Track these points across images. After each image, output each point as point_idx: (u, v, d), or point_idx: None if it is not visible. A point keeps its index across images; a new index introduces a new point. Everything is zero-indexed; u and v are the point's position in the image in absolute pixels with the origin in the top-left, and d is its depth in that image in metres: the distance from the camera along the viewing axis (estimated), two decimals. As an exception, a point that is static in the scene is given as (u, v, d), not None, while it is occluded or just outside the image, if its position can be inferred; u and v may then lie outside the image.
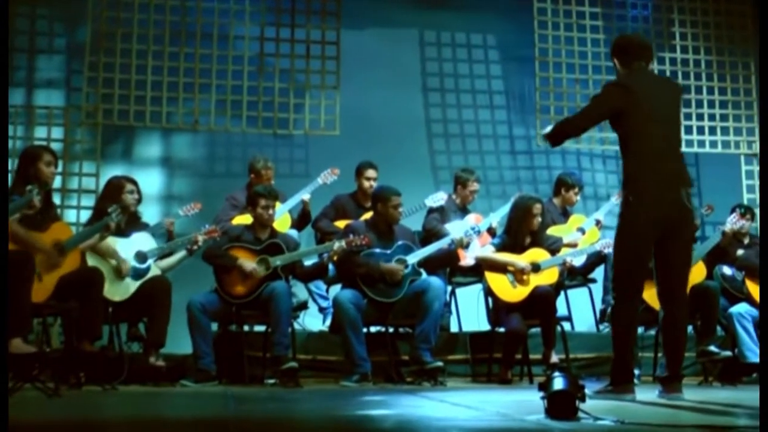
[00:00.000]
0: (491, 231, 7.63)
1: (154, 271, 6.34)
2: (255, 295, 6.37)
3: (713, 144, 9.23)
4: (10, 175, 6.75)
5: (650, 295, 5.55)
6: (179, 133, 8.85)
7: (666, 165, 4.79)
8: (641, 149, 4.78)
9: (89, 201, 7.89)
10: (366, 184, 7.70)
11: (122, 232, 6.30)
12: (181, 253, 6.58)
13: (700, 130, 9.22)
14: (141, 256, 6.29)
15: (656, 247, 4.83)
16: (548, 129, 5.02)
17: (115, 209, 5.88)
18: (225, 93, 8.50)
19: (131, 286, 6.19)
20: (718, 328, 6.82)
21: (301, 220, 7.55)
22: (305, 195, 7.51)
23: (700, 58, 9.31)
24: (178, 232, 6.97)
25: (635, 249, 4.78)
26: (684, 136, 9.14)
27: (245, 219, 6.97)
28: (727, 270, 7.09)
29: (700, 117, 9.23)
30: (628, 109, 4.80)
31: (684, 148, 9.11)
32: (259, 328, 6.78)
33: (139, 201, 6.57)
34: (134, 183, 6.56)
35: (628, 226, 4.80)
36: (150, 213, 7.63)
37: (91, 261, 6.04)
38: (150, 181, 8.41)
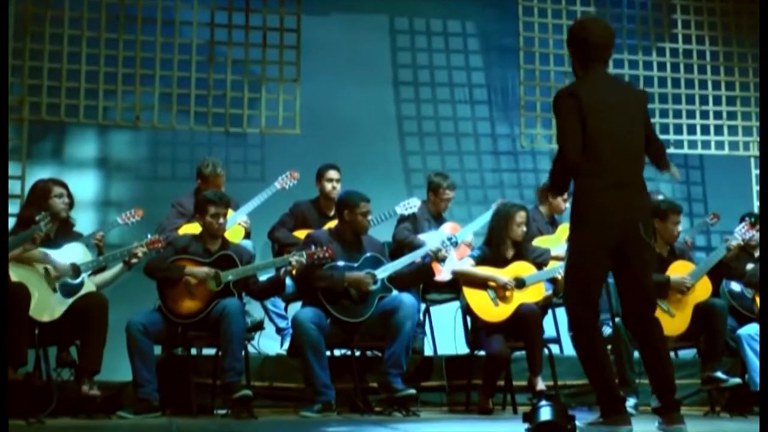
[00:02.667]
0: (466, 243, 7.64)
1: (89, 287, 6.28)
2: (204, 314, 6.33)
3: (719, 145, 9.31)
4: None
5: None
6: (118, 131, 8.80)
7: (621, 189, 4.69)
8: (594, 167, 4.67)
9: (14, 207, 7.81)
10: (328, 186, 7.70)
11: (52, 242, 6.24)
12: (117, 267, 6.52)
13: (705, 130, 9.30)
14: (74, 270, 6.23)
15: (614, 271, 4.83)
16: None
17: (44, 217, 5.82)
18: (170, 86, 8.47)
19: (62, 304, 6.12)
20: (726, 351, 6.86)
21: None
22: (242, 217, 7.47)
23: (704, 48, 9.40)
24: (117, 243, 6.94)
25: (586, 276, 4.74)
26: (687, 137, 9.25)
27: (193, 228, 6.93)
28: (735, 286, 7.14)
29: (704, 115, 9.30)
30: (581, 120, 4.65)
31: (687, 150, 9.33)
32: (209, 351, 6.74)
33: (70, 206, 6.51)
34: (63, 186, 6.49)
35: (576, 252, 4.75)
36: (84, 221, 7.57)
37: (15, 274, 5.95)
38: (84, 185, 8.37)
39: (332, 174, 7.75)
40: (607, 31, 4.89)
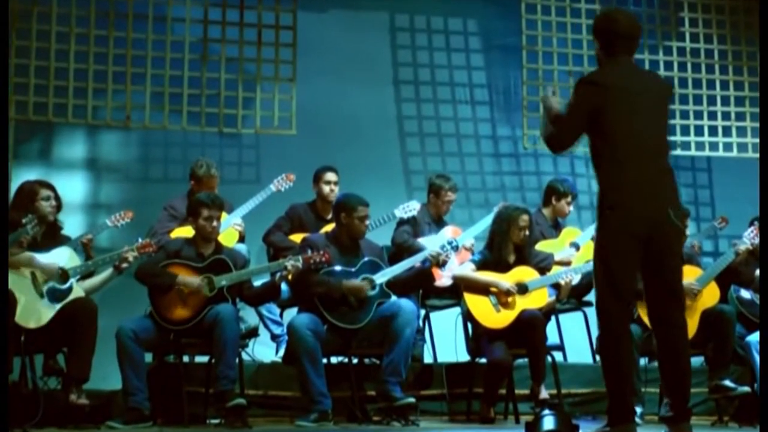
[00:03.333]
0: (467, 247, 7.64)
1: (77, 293, 6.27)
2: (197, 321, 6.32)
3: (728, 147, 9.31)
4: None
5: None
6: (107, 131, 8.78)
7: (650, 176, 4.75)
8: (619, 156, 4.74)
9: (0, 210, 7.81)
10: (326, 189, 7.69)
11: (39, 246, 6.23)
12: (107, 272, 6.51)
13: (713, 131, 9.29)
14: (62, 275, 6.22)
15: (643, 265, 4.83)
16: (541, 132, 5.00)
17: (30, 220, 5.82)
18: (162, 85, 8.45)
19: (49, 309, 6.11)
20: (734, 358, 6.86)
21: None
22: (237, 220, 7.46)
23: (712, 47, 9.40)
24: (107, 247, 6.93)
25: (617, 269, 4.74)
26: (694, 138, 9.25)
27: (186, 232, 6.93)
28: (744, 293, 7.13)
29: (712, 116, 9.30)
30: (604, 110, 4.75)
31: (694, 152, 9.33)
32: (201, 358, 6.73)
33: (57, 209, 6.50)
34: (51, 188, 6.49)
35: (606, 244, 4.78)
36: (72, 224, 7.54)
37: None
38: (73, 187, 8.35)
39: (330, 176, 7.74)
40: (635, 22, 4.99)
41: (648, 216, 4.72)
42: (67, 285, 6.22)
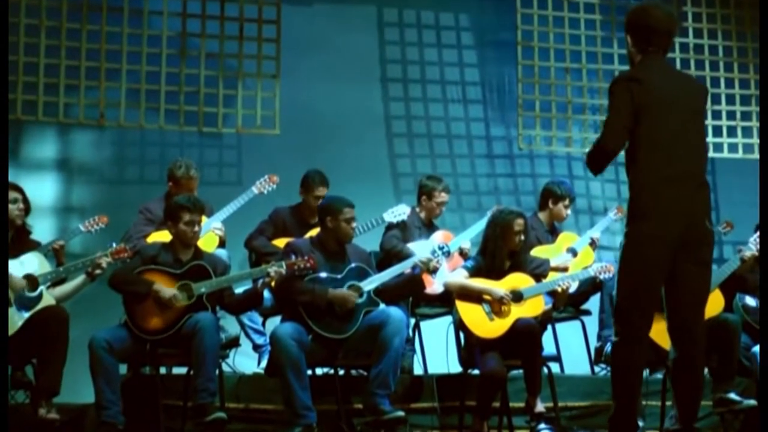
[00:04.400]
0: (463, 252, 7.63)
1: (47, 301, 6.25)
2: (174, 330, 6.30)
3: (732, 147, 9.34)
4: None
5: (657, 331, 5.53)
6: (80, 130, 8.77)
7: (687, 180, 4.77)
8: (654, 158, 4.76)
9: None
10: (315, 204, 7.64)
11: (7, 252, 6.21)
12: (79, 279, 6.49)
13: (717, 131, 9.32)
14: (31, 282, 6.20)
15: (671, 272, 4.82)
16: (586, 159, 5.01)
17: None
18: (138, 81, 8.46)
19: (17, 318, 6.09)
20: (739, 370, 6.86)
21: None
22: (217, 224, 7.45)
23: (717, 43, 9.43)
24: (79, 252, 6.92)
25: (644, 275, 4.75)
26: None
27: (163, 236, 6.90)
28: (750, 301, 7.13)
29: (716, 115, 9.33)
30: (645, 109, 4.75)
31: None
32: (179, 370, 6.72)
33: (26, 212, 6.48)
34: (19, 191, 6.47)
35: (634, 246, 4.78)
36: (43, 228, 7.52)
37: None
38: (43, 189, 8.35)
39: (321, 191, 7.67)
40: (672, 18, 5.02)
41: (682, 222, 4.73)
42: (37, 293, 6.20)
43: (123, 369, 6.52)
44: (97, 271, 6.43)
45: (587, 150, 5.01)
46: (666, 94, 4.81)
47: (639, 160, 4.80)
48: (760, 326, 6.68)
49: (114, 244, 6.59)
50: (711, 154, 9.33)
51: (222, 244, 7.50)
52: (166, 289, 6.33)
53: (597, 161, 4.90)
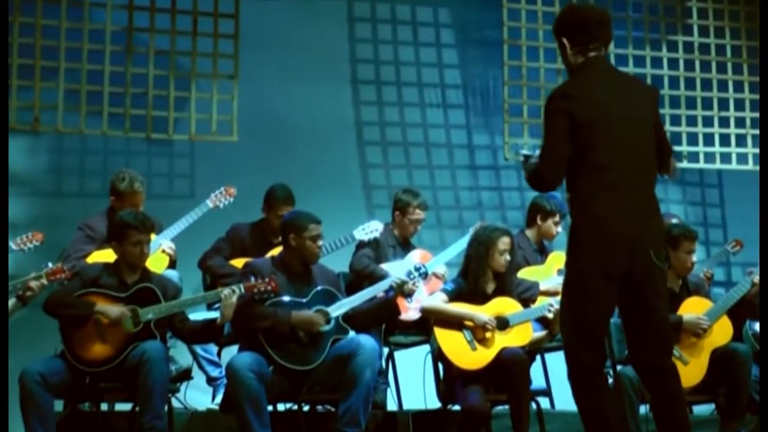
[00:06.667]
0: (438, 277, 7.66)
1: (-27, 328, 6.22)
2: (118, 361, 6.28)
3: (742, 158, 9.38)
4: None
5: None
6: (12, 136, 8.63)
7: (631, 203, 4.76)
8: (596, 180, 4.75)
9: None
10: (278, 224, 7.60)
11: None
12: (10, 303, 6.46)
13: (725, 140, 9.37)
14: (-46, 306, 6.17)
15: (620, 306, 4.86)
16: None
17: None
18: (78, 81, 8.43)
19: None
20: (750, 406, 6.89)
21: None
22: (167, 242, 7.44)
23: (724, 42, 9.50)
24: (10, 273, 6.83)
25: (587, 309, 4.77)
26: (703, 148, 9.31)
27: (105, 256, 6.89)
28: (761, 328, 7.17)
29: (724, 122, 9.37)
30: (580, 127, 4.73)
31: (703, 164, 9.39)
32: (123, 406, 6.70)
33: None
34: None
35: (577, 283, 4.80)
36: (-32, 246, 7.50)
37: None
38: (-31, 203, 8.29)
39: (285, 211, 7.60)
40: (601, 9, 5.08)
41: (627, 251, 4.73)
42: (-39, 318, 6.17)
43: (59, 405, 6.50)
44: (28, 293, 6.40)
45: (526, 175, 5.03)
46: (608, 108, 4.79)
47: (579, 184, 4.80)
48: (760, 334, 6.72)
49: (50, 264, 6.57)
50: (718, 165, 9.40)
51: (172, 264, 7.48)
52: (112, 307, 6.30)
53: (540, 187, 5.07)
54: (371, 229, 7.76)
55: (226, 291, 6.39)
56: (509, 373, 6.62)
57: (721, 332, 6.85)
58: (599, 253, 4.72)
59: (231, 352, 6.96)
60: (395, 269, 7.42)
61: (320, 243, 6.76)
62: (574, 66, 4.92)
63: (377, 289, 6.89)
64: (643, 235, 4.76)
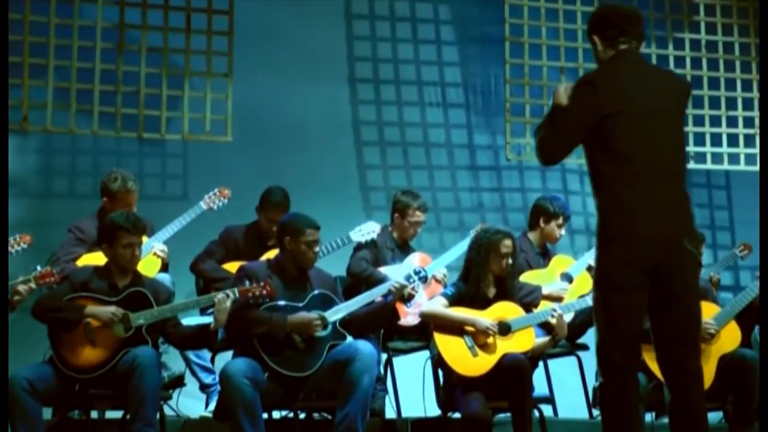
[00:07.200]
0: (438, 280, 7.67)
1: (-41, 333, 6.20)
2: (108, 367, 6.27)
3: (750, 159, 9.37)
4: None
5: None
6: (1, 136, 8.72)
7: (662, 200, 4.79)
8: (626, 175, 4.77)
9: None
10: (267, 227, 7.59)
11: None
12: (6, 303, 6.46)
13: (733, 140, 9.36)
14: (-60, 311, 6.16)
15: (651, 302, 4.85)
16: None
17: None
18: (68, 79, 8.43)
19: None
20: (759, 414, 6.87)
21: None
22: (159, 245, 7.43)
23: (732, 40, 9.49)
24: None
25: (619, 305, 4.78)
26: (710, 149, 9.32)
27: (95, 259, 6.88)
28: (771, 334, 7.18)
29: (732, 122, 9.37)
30: (608, 118, 4.76)
31: (710, 165, 9.39)
32: (114, 414, 6.67)
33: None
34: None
35: (608, 278, 4.81)
36: (-45, 249, 7.49)
37: None
38: (-44, 204, 8.28)
39: (275, 216, 7.57)
40: (631, 7, 5.18)
41: (658, 245, 4.75)
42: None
43: (47, 413, 6.49)
44: (16, 298, 6.39)
45: (535, 141, 5.00)
46: (638, 99, 4.82)
47: (606, 177, 4.82)
48: (760, 335, 6.71)
49: (38, 268, 6.55)
50: (726, 166, 9.40)
51: (165, 267, 7.48)
52: (102, 308, 6.29)
53: (541, 156, 4.96)
54: (368, 231, 7.76)
55: (220, 295, 6.39)
56: (511, 379, 6.62)
57: (729, 338, 6.85)
58: (629, 247, 4.74)
59: (225, 358, 6.95)
60: (394, 273, 7.42)
61: (317, 249, 6.75)
62: (605, 60, 4.97)
63: (375, 293, 6.88)
64: (673, 228, 4.78)
